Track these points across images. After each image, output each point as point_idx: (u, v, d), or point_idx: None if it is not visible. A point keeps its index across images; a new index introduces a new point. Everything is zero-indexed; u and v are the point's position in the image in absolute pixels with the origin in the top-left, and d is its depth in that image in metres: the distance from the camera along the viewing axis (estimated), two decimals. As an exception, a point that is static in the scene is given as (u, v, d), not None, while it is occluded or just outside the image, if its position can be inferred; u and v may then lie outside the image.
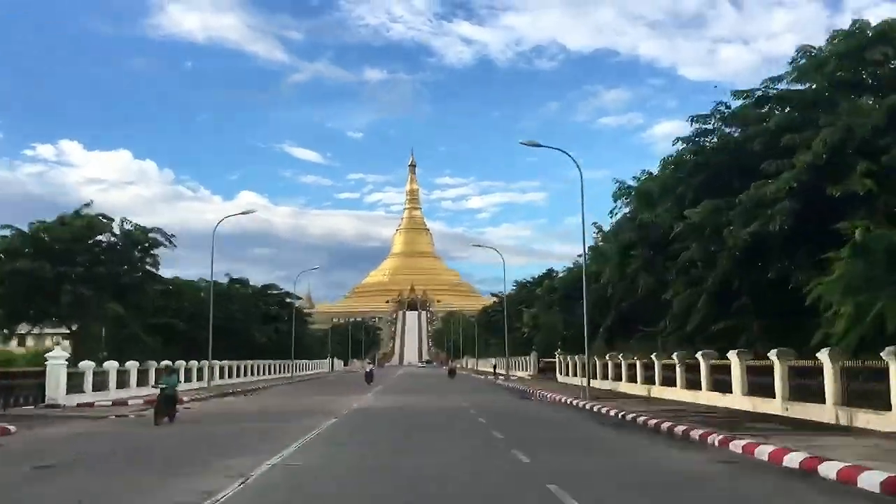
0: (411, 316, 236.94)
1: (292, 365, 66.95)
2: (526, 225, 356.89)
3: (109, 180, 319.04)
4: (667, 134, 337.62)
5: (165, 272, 43.69)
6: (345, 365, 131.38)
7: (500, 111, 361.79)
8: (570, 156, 28.66)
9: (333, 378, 64.97)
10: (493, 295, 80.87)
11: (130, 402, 30.55)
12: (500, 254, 52.03)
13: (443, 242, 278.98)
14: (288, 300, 78.62)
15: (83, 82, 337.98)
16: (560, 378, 51.18)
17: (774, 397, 19.61)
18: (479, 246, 63.82)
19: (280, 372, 67.39)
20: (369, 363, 50.86)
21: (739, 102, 22.89)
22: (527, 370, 64.83)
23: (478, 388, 43.11)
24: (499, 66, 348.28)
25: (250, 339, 60.32)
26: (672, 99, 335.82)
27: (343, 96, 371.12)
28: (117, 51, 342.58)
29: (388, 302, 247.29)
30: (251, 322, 60.09)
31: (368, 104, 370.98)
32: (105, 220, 38.03)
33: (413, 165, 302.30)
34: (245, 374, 56.28)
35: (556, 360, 52.87)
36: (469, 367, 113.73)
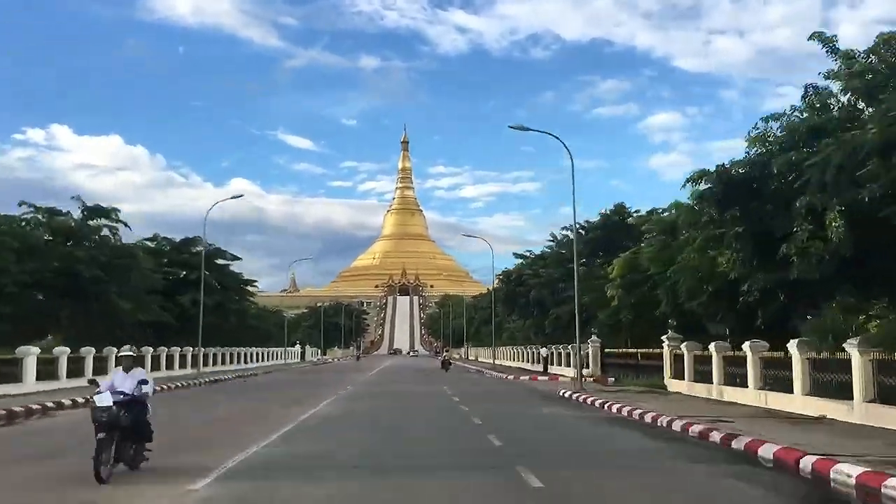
0: (403, 301, 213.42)
1: (200, 357, 41.37)
2: (519, 215, 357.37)
3: (100, 166, 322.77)
4: (662, 125, 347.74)
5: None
6: (322, 355, 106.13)
7: (494, 100, 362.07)
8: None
9: (264, 381, 39.54)
10: (518, 257, 54.95)
11: None
12: (563, 141, 26.73)
13: (436, 231, 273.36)
14: (220, 262, 54.00)
15: (74, 66, 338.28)
16: (677, 385, 26.15)
17: None
18: (525, 127, 40.93)
19: (186, 367, 42.12)
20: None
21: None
22: (582, 367, 39.92)
23: (576, 433, 15.53)
24: (493, 55, 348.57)
25: (115, 311, 35.18)
26: (667, 90, 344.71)
27: (337, 83, 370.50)
28: (109, 34, 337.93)
29: (377, 286, 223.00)
30: (115, 283, 34.73)
31: (362, 92, 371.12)
32: None
33: (405, 142, 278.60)
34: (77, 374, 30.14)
35: (666, 350, 27.72)
36: (474, 358, 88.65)
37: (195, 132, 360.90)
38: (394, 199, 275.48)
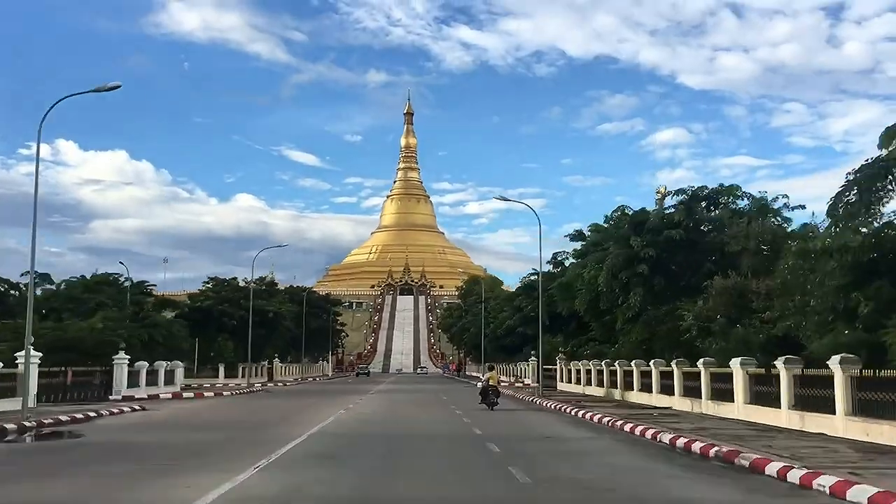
0: (405, 302, 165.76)
1: None
2: (523, 231, 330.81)
3: (106, 181, 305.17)
4: (668, 141, 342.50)
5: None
6: (248, 378, 56.14)
7: (499, 116, 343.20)
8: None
9: None
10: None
11: None
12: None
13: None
14: None
15: (81, 80, 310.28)
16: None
17: None
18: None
19: None
20: None
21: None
22: None
23: None
24: (498, 72, 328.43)
25: None
26: (672, 106, 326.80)
27: (342, 99, 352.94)
28: (115, 49, 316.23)
29: (374, 286, 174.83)
30: None
31: (367, 107, 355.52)
32: None
33: (409, 114, 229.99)
34: None
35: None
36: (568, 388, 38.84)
37: (200, 147, 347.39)
38: (394, 182, 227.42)
